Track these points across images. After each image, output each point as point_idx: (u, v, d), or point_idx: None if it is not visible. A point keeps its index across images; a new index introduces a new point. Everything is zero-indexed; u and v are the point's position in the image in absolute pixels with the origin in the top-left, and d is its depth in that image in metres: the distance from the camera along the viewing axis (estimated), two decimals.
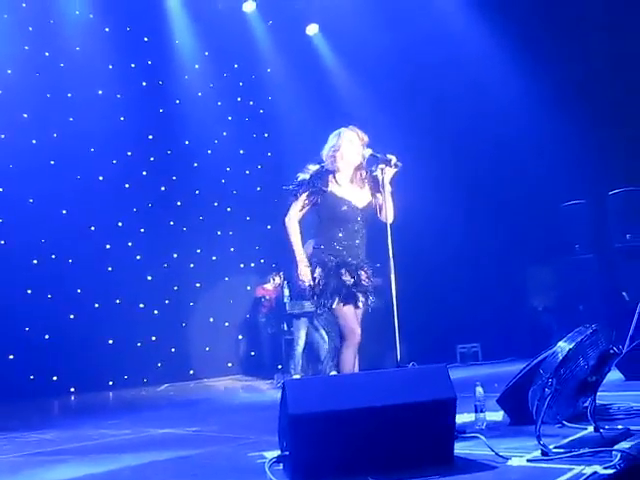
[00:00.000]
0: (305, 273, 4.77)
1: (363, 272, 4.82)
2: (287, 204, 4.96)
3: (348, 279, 4.74)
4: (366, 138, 4.96)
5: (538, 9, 10.32)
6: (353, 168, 4.94)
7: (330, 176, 4.89)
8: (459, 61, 10.92)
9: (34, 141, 10.68)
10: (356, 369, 4.78)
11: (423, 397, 3.25)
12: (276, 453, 3.46)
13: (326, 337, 9.26)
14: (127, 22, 11.71)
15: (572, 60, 10.05)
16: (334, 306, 4.70)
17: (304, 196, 4.87)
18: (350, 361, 4.71)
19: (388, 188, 4.84)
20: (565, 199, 10.36)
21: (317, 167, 4.91)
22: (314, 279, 4.76)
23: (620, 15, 9.57)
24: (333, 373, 6.32)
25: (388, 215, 4.76)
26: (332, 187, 4.87)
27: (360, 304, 4.80)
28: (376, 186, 4.91)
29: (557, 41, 10.15)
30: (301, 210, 4.91)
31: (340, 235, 4.80)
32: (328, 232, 4.84)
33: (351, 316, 4.76)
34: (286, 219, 4.91)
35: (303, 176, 4.91)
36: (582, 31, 9.96)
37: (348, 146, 4.89)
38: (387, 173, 4.80)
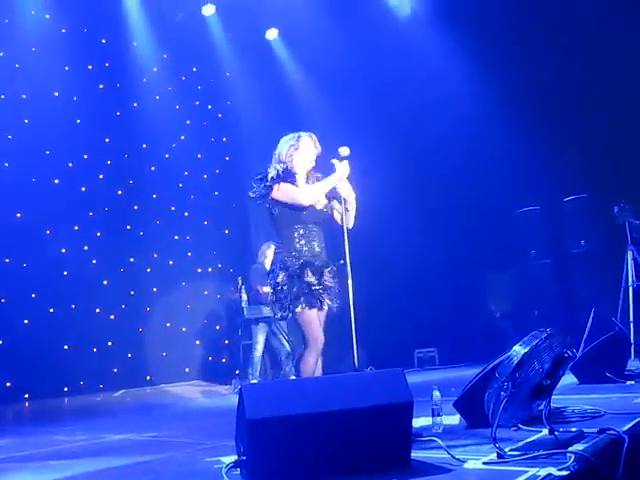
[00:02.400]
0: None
1: (327, 272, 4.82)
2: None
3: (312, 280, 4.72)
4: (320, 149, 4.98)
5: (491, 22, 10.46)
6: (306, 171, 4.96)
7: (296, 175, 4.90)
8: (416, 69, 11.00)
9: None
10: (319, 372, 4.76)
11: (380, 401, 3.25)
12: (233, 458, 3.43)
13: (285, 343, 9.23)
14: (84, 23, 11.52)
15: (526, 68, 10.20)
16: (297, 310, 4.67)
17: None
18: (311, 368, 4.67)
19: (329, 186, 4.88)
20: (521, 205, 10.52)
21: (284, 166, 4.90)
22: (277, 284, 4.73)
23: (571, 25, 9.75)
24: (293, 378, 6.29)
25: (349, 219, 4.81)
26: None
27: (325, 306, 4.79)
28: (331, 192, 4.92)
29: (510, 49, 10.29)
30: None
31: (301, 235, 4.80)
32: (289, 233, 4.82)
33: (315, 321, 4.72)
34: (303, 198, 4.78)
35: (272, 172, 4.87)
36: (535, 41, 10.12)
37: (305, 150, 4.91)
38: (339, 167, 4.83)
